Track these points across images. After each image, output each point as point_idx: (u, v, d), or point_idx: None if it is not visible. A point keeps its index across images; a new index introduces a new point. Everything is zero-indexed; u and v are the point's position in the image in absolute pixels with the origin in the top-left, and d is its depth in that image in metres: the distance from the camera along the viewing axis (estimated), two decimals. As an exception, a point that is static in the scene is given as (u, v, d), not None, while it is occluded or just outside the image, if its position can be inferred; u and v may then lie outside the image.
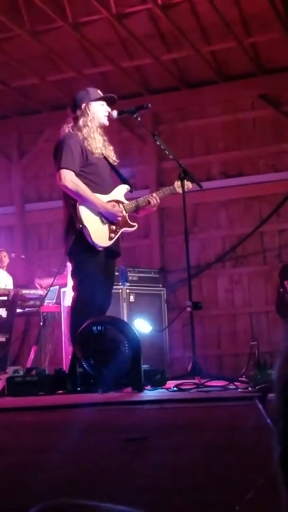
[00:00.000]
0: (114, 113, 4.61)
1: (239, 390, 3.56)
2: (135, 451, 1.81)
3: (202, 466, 1.57)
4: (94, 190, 4.38)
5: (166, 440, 1.93)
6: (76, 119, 4.53)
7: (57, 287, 7.25)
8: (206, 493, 1.30)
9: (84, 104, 4.52)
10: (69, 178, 4.33)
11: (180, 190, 4.69)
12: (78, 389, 4.18)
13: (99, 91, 4.70)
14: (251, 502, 1.15)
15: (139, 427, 2.25)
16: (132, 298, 7.15)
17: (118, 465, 1.64)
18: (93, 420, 2.57)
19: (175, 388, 3.91)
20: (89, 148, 4.44)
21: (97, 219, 4.38)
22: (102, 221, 4.40)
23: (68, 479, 1.48)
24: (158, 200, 4.62)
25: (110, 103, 4.65)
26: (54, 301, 7.43)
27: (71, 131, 4.50)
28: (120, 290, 7.04)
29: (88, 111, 4.51)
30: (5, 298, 7.37)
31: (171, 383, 4.23)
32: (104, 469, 1.60)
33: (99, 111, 4.55)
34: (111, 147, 4.62)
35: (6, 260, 7.96)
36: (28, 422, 2.73)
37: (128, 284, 7.19)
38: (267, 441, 1.78)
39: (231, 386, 3.80)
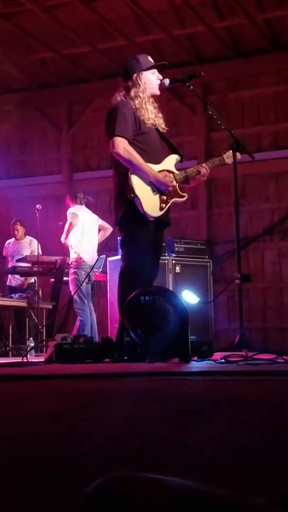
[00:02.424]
0: (166, 82, 4.53)
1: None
2: (188, 422, 1.80)
3: (262, 442, 1.54)
4: (146, 159, 4.34)
5: (220, 413, 1.91)
6: (127, 89, 4.48)
7: (104, 256, 7.27)
8: (264, 470, 1.28)
9: (135, 75, 4.45)
10: (122, 146, 4.28)
11: (229, 161, 4.60)
12: (125, 358, 4.19)
13: (149, 58, 4.60)
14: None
15: (191, 398, 2.24)
16: (178, 269, 7.13)
17: (170, 436, 1.63)
18: (143, 389, 2.56)
19: (222, 360, 3.89)
20: (141, 118, 4.39)
21: (148, 188, 4.34)
22: (153, 191, 4.36)
23: (119, 449, 1.47)
24: (208, 170, 4.56)
25: (161, 70, 4.57)
26: (101, 270, 7.46)
27: (123, 99, 4.45)
28: (166, 261, 7.03)
29: (139, 82, 4.44)
30: (52, 266, 7.45)
31: (217, 355, 4.21)
32: (157, 440, 1.59)
33: (150, 81, 4.47)
34: (160, 115, 4.55)
35: (21, 231, 7.97)
36: (76, 389, 2.74)
37: (174, 255, 7.17)
38: None
39: (280, 360, 3.76)
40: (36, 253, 7.44)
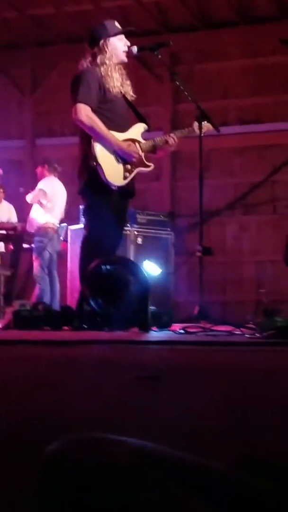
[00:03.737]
0: (134, 49, 4.47)
1: (246, 335, 3.57)
2: (147, 389, 1.81)
3: (218, 409, 1.56)
4: (110, 127, 4.29)
5: (179, 381, 1.93)
6: (94, 55, 4.40)
7: (65, 224, 7.22)
8: (224, 436, 1.30)
9: (102, 41, 4.37)
10: (85, 113, 4.22)
11: (197, 132, 4.60)
12: (85, 326, 4.20)
13: (116, 23, 4.50)
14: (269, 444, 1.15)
15: (150, 366, 2.26)
16: (140, 240, 7.13)
17: (131, 402, 1.64)
18: (102, 357, 2.57)
19: (181, 331, 3.93)
20: (107, 86, 4.33)
21: (112, 157, 4.30)
22: (117, 160, 4.32)
23: (80, 415, 1.48)
24: (177, 140, 4.53)
25: (129, 37, 4.50)
26: (62, 238, 7.41)
27: (89, 66, 4.38)
28: (128, 232, 7.02)
29: (106, 48, 4.36)
30: (12, 232, 7.37)
31: (177, 326, 4.25)
32: (117, 406, 1.60)
33: (117, 47, 4.40)
34: (128, 82, 4.50)
35: (1, 197, 7.87)
36: (35, 356, 2.73)
37: (136, 226, 7.16)
38: (282, 385, 1.78)
39: (238, 332, 3.82)
40: (13, 221, 7.47)
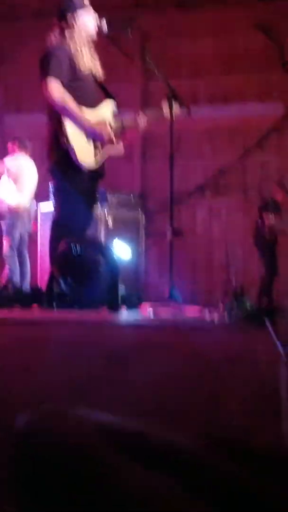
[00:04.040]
0: (104, 25, 4.40)
1: (214, 317, 3.59)
2: (115, 367, 1.82)
3: (183, 388, 1.58)
4: (80, 103, 4.21)
5: (146, 360, 1.94)
6: (62, 30, 4.31)
7: (35, 204, 7.17)
8: (187, 411, 1.31)
9: (69, 14, 4.29)
10: (56, 88, 4.14)
11: (167, 113, 4.57)
12: (54, 306, 4.18)
13: None
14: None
15: (118, 346, 2.26)
16: (110, 221, 7.12)
17: (99, 380, 1.64)
18: (71, 336, 2.57)
19: (151, 311, 3.94)
20: (77, 63, 4.26)
21: (82, 137, 4.25)
22: (88, 139, 4.28)
23: (50, 392, 1.48)
24: (146, 120, 4.51)
25: (98, 12, 4.42)
26: (32, 218, 7.36)
27: (58, 42, 4.31)
28: (99, 213, 6.99)
29: (74, 22, 4.28)
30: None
31: (146, 307, 4.26)
32: (85, 384, 1.60)
33: (86, 22, 4.32)
34: (97, 58, 4.44)
35: None
36: (3, 335, 2.72)
37: (107, 207, 7.14)
38: (246, 366, 1.80)
39: (206, 314, 3.84)
40: None
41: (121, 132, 4.50)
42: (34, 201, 7.13)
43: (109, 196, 7.23)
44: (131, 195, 7.60)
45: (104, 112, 4.42)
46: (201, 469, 0.64)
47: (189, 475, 0.62)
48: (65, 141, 4.15)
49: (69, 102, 4.15)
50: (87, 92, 4.33)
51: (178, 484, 0.58)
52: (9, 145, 7.22)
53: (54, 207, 4.53)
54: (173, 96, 4.54)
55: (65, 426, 0.64)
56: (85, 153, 4.24)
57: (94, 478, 0.58)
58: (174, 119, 4.61)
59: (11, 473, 0.62)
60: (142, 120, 4.47)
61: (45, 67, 4.19)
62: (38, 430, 0.64)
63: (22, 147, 7.09)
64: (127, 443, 0.64)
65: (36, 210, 7.17)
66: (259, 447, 0.71)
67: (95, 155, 4.32)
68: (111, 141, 4.40)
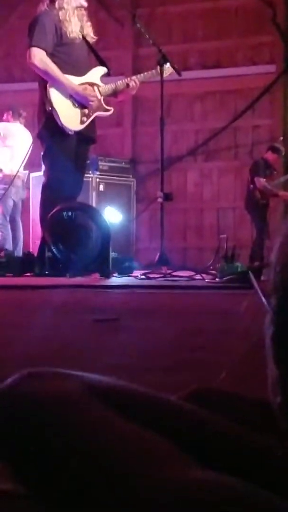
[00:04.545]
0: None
1: (206, 280, 3.64)
2: (106, 331, 1.86)
3: (173, 348, 1.61)
4: (67, 71, 4.23)
5: (136, 322, 1.98)
6: None
7: (27, 171, 7.13)
8: (178, 373, 1.35)
9: None
10: (39, 57, 4.17)
11: (158, 77, 4.55)
12: (46, 272, 4.22)
13: None
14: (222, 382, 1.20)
15: (109, 310, 2.30)
16: (101, 187, 7.10)
17: (89, 343, 1.68)
18: (63, 301, 2.60)
19: (142, 276, 3.98)
20: (65, 30, 4.25)
21: (68, 101, 4.25)
22: (74, 104, 4.27)
23: (40, 355, 1.51)
24: (138, 83, 4.48)
25: None
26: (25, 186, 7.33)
27: (47, 8, 4.28)
28: (90, 179, 6.97)
29: None
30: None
31: (138, 272, 4.30)
32: (76, 347, 1.63)
33: None
34: (89, 23, 4.41)
35: None
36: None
37: (98, 173, 7.12)
38: (236, 326, 1.84)
39: (198, 277, 3.88)
40: None
41: (111, 96, 4.48)
42: (27, 169, 7.09)
43: (100, 162, 7.20)
44: (122, 160, 7.57)
45: (93, 76, 4.39)
46: (192, 424, 0.66)
47: (179, 430, 0.64)
48: (50, 107, 4.17)
49: (52, 67, 4.17)
50: (75, 58, 4.31)
51: (171, 441, 0.60)
52: (4, 115, 7.15)
53: (44, 172, 4.53)
54: (164, 59, 4.52)
55: (53, 386, 0.65)
56: (69, 116, 4.24)
57: (83, 435, 0.60)
58: (164, 83, 4.58)
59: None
60: (132, 83, 4.45)
61: (30, 36, 4.22)
62: (19, 390, 0.65)
63: (16, 115, 7.02)
64: (118, 400, 0.66)
65: (28, 177, 7.13)
66: (248, 397, 0.74)
67: (82, 119, 4.31)
68: (99, 105, 4.38)
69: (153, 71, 4.57)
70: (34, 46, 4.16)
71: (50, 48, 4.19)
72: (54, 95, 4.18)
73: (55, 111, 4.17)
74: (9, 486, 0.50)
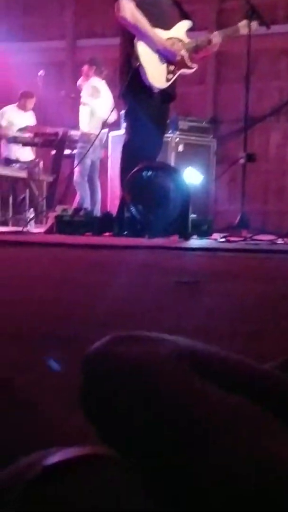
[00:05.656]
0: None
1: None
2: (188, 293, 1.81)
3: (256, 314, 1.55)
4: (154, 24, 4.09)
5: (219, 286, 1.92)
6: None
7: (106, 130, 7.10)
8: (261, 340, 1.29)
9: None
10: (129, 9, 4.02)
11: (243, 31, 4.36)
12: (125, 233, 4.20)
13: None
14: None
15: (191, 272, 2.25)
16: (181, 147, 6.98)
17: (171, 306, 1.64)
18: (143, 261, 2.57)
19: (223, 239, 3.90)
20: None
21: (155, 57, 4.12)
22: (160, 60, 4.15)
23: (121, 317, 1.48)
24: (220, 40, 4.32)
25: None
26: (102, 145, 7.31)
27: None
28: (169, 139, 6.86)
29: None
30: (54, 138, 7.30)
31: (217, 235, 4.22)
32: (158, 309, 1.60)
33: None
34: None
35: (30, 104, 7.69)
36: (77, 258, 2.75)
37: (178, 132, 7.00)
38: None
39: (280, 241, 3.77)
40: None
41: (193, 52, 4.33)
42: (106, 128, 7.05)
43: (180, 121, 7.07)
44: (203, 120, 7.40)
45: (178, 31, 4.25)
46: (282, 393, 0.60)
47: (270, 398, 0.59)
48: (137, 62, 4.04)
49: (142, 21, 4.02)
50: (161, 10, 4.17)
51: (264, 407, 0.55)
52: (86, 68, 7.05)
53: (125, 131, 4.47)
54: (252, 12, 4.33)
55: (139, 349, 0.61)
56: (156, 73, 4.12)
57: (176, 406, 0.55)
58: (251, 37, 4.40)
59: (82, 401, 0.60)
60: (216, 39, 4.29)
61: None
62: (108, 354, 0.61)
63: (98, 72, 6.92)
64: (217, 370, 0.61)
65: (107, 136, 7.10)
66: None
67: (167, 76, 4.19)
68: (183, 62, 4.25)
69: (235, 26, 4.38)
70: None
71: (138, 0, 4.04)
72: (142, 50, 4.05)
73: (142, 67, 4.04)
74: (105, 451, 0.48)
